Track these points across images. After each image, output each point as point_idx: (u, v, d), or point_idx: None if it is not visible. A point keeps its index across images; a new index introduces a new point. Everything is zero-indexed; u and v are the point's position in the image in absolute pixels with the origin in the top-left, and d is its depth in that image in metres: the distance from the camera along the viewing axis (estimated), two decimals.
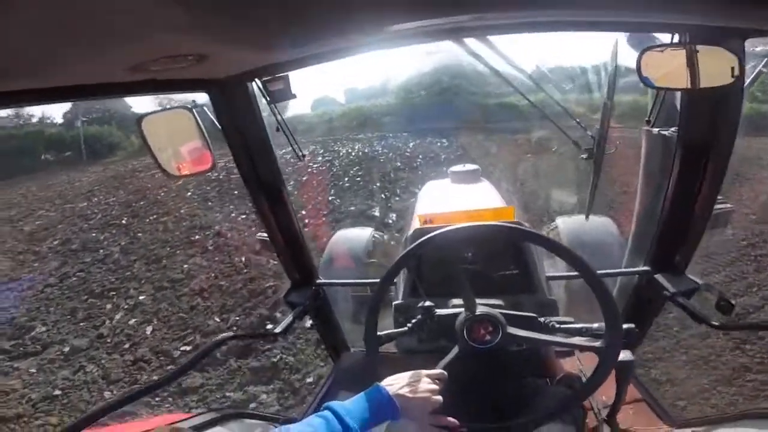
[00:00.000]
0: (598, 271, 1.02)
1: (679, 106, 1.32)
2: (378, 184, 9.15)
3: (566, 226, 2.90)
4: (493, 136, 12.72)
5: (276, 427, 1.14)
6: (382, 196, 8.40)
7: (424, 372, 1.01)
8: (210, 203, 8.78)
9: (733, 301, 1.33)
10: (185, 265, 6.19)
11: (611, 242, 2.66)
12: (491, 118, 13.68)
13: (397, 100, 17.06)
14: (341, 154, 12.48)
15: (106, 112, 19.18)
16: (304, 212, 7.31)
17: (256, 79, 1.32)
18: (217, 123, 1.38)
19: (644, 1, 0.82)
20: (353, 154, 12.47)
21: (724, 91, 1.10)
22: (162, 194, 9.96)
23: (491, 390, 1.26)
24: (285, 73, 1.32)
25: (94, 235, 8.01)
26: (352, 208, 7.80)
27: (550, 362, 1.52)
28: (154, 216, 8.54)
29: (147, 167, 13.23)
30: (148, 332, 4.84)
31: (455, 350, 1.11)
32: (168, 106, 1.32)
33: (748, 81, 1.13)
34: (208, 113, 1.36)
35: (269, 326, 4.48)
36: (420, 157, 11.43)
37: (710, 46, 0.99)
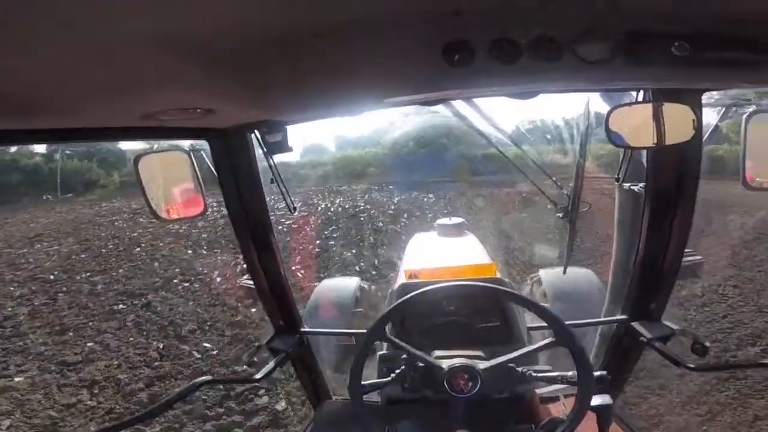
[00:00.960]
0: (580, 321, 1.37)
1: (645, 162, 1.43)
2: (353, 251, 7.95)
3: (548, 277, 2.95)
4: (482, 190, 12.14)
5: None
6: (356, 269, 7.19)
7: None
8: (157, 263, 7.69)
9: (707, 344, 1.38)
10: (90, 344, 5.03)
11: (592, 292, 2.70)
12: (478, 171, 13.07)
13: (385, 150, 16.54)
14: (319, 209, 11.47)
15: (91, 147, 18.71)
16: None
17: (256, 131, 1.35)
18: (213, 169, 1.42)
19: (606, 72, 0.86)
20: (332, 209, 11.47)
21: (685, 146, 1.17)
22: (110, 246, 8.96)
23: None
24: (284, 127, 1.35)
25: (12, 289, 6.89)
26: (316, 284, 6.55)
27: (535, 408, 1.53)
28: (88, 273, 7.45)
29: (111, 212, 12.38)
30: (4, 427, 3.70)
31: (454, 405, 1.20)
32: (156, 147, 1.41)
33: (706, 135, 1.27)
34: (205, 157, 1.38)
35: None
36: (405, 216, 10.34)
37: (673, 104, 1.06)
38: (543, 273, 3.05)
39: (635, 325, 1.59)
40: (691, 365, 1.40)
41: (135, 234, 9.58)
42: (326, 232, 9.12)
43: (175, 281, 6.67)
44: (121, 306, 6.02)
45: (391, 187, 13.69)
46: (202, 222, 9.70)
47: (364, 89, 0.93)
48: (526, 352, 1.35)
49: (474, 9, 0.71)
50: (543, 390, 1.74)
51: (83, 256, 8.43)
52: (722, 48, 0.75)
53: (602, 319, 1.92)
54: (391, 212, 10.80)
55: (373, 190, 13.64)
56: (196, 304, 5.77)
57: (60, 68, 0.59)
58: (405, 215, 10.34)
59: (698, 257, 1.68)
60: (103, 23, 0.51)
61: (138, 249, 8.53)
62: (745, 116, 1.15)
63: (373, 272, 6.83)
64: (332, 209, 11.40)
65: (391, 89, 0.94)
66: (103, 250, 8.65)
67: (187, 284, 6.51)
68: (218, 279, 6.48)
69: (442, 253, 2.68)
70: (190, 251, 8.11)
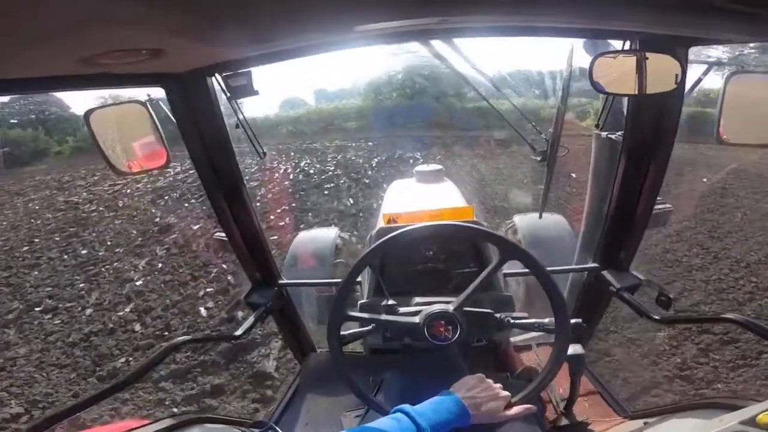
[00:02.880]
0: (549, 268, 1.15)
1: (625, 111, 1.39)
2: None
3: (523, 223, 2.89)
4: (480, 146, 10.58)
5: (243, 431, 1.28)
6: None
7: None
8: (36, 272, 5.75)
9: (671, 296, 1.40)
10: None
11: (564, 239, 2.66)
12: (469, 124, 10.96)
13: (366, 102, 14.22)
14: (277, 175, 9.27)
15: (39, 114, 16.62)
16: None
17: (216, 74, 1.24)
18: (173, 118, 1.32)
19: (597, 10, 0.85)
20: (293, 175, 9.29)
21: (666, 97, 1.15)
22: None
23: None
24: (247, 69, 1.22)
25: None
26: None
27: (510, 357, 1.55)
28: None
29: (37, 187, 10.40)
30: None
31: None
32: (111, 102, 1.26)
33: (688, 88, 1.22)
34: (163, 107, 1.28)
35: None
36: (385, 185, 8.02)
37: (658, 54, 1.04)
38: (518, 218, 2.92)
39: (605, 273, 1.59)
40: (656, 317, 1.40)
41: (39, 222, 7.66)
42: (272, 217, 6.94)
43: (37, 309, 4.73)
44: None
45: (370, 143, 11.42)
46: (126, 199, 7.74)
47: (332, 15, 0.82)
48: (503, 298, 1.41)
49: None
50: (516, 339, 1.79)
51: None
52: None
53: (574, 266, 1.88)
54: (367, 181, 8.58)
55: (349, 148, 11.38)
56: (41, 360, 3.84)
57: None
58: (385, 185, 8.00)
59: (668, 206, 1.51)
60: None
61: (26, 248, 6.56)
62: (726, 75, 1.14)
63: None
64: (293, 176, 9.25)
65: (362, 15, 0.84)
66: None
67: (48, 316, 4.56)
68: (89, 312, 4.50)
69: (420, 198, 2.55)
70: (84, 251, 6.10)
